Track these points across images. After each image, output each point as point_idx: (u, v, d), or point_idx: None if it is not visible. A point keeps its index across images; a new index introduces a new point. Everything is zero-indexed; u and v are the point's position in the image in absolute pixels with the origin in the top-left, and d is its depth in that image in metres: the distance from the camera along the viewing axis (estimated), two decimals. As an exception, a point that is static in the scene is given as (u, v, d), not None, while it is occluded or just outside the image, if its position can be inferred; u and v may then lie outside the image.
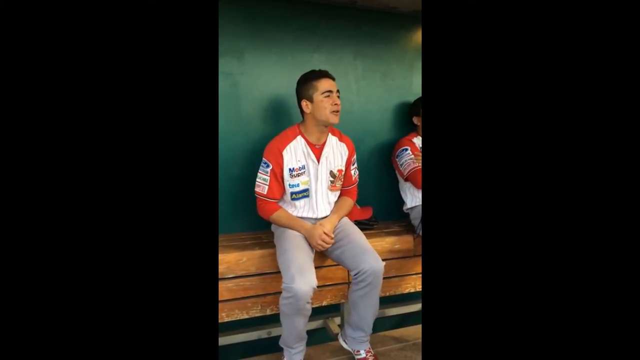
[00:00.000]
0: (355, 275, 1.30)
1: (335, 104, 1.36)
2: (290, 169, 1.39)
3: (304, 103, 1.38)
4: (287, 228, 1.41)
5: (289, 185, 1.41)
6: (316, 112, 1.36)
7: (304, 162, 1.41)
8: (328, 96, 1.35)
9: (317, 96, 1.35)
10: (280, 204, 1.46)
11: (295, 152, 1.40)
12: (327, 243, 1.35)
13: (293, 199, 1.43)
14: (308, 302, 1.20)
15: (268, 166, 1.39)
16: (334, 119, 1.37)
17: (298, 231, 1.39)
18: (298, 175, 1.40)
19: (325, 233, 1.35)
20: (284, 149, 1.39)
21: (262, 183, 1.40)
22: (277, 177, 1.39)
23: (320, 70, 1.39)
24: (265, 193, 1.40)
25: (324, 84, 1.35)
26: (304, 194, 1.43)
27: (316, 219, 1.47)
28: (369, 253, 1.30)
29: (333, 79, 1.40)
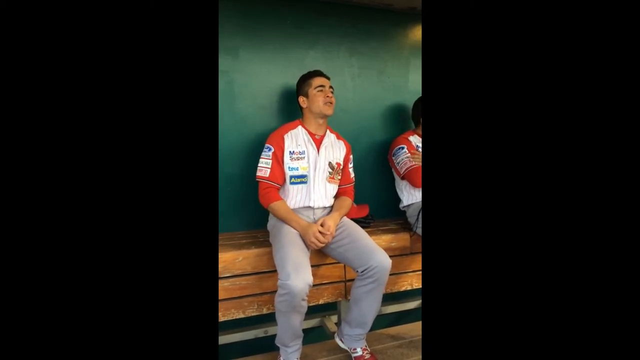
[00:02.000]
0: (362, 271, 1.32)
1: (327, 97, 1.48)
2: (290, 152, 1.46)
3: (301, 99, 1.52)
4: (283, 221, 1.42)
5: (289, 168, 1.46)
6: (311, 105, 1.49)
7: (304, 148, 1.48)
8: (321, 90, 1.48)
9: (311, 91, 1.49)
10: (279, 193, 1.48)
11: (296, 138, 1.49)
12: (320, 242, 1.36)
13: (292, 183, 1.46)
14: (303, 299, 1.20)
15: (270, 150, 1.45)
16: (327, 110, 1.48)
17: (293, 227, 1.40)
18: (298, 159, 1.46)
19: (320, 232, 1.36)
20: (285, 134, 1.49)
21: (264, 167, 1.45)
22: (279, 160, 1.45)
23: (315, 70, 1.54)
24: (267, 176, 1.43)
25: (317, 81, 1.50)
26: (302, 179, 1.47)
27: (312, 208, 1.48)
28: (378, 250, 1.34)
29: (327, 77, 1.53)
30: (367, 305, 1.35)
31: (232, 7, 1.61)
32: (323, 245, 1.37)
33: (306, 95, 1.50)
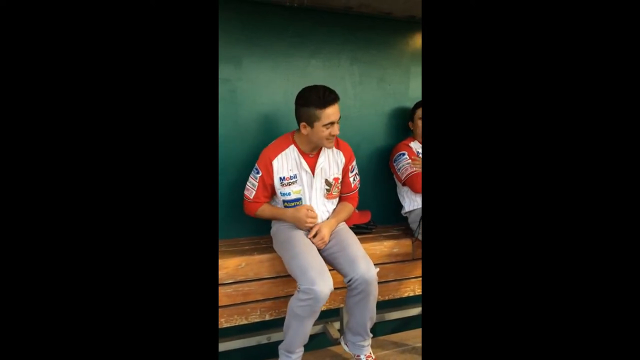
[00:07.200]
0: (348, 282, 1.31)
1: (333, 134, 1.34)
2: (280, 178, 1.41)
3: (302, 125, 1.34)
4: (273, 219, 1.46)
5: (281, 193, 1.43)
6: (313, 137, 1.35)
7: (295, 172, 1.41)
8: (329, 127, 1.32)
9: (318, 126, 1.31)
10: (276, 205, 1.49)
11: (286, 162, 1.40)
12: (313, 218, 1.38)
13: (286, 207, 1.45)
14: (323, 304, 1.22)
15: (258, 173, 1.42)
16: (328, 144, 1.37)
17: (285, 220, 1.42)
18: (289, 184, 1.41)
19: (308, 210, 1.39)
20: (274, 158, 1.39)
21: (251, 187, 1.45)
22: (266, 185, 1.42)
23: (325, 96, 1.29)
24: (251, 197, 1.45)
25: (327, 117, 1.29)
26: (297, 202, 1.44)
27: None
28: (360, 260, 1.30)
29: (338, 100, 1.32)
30: (359, 314, 1.34)
31: (234, 17, 1.64)
32: (315, 221, 1.41)
33: (311, 126, 1.31)
